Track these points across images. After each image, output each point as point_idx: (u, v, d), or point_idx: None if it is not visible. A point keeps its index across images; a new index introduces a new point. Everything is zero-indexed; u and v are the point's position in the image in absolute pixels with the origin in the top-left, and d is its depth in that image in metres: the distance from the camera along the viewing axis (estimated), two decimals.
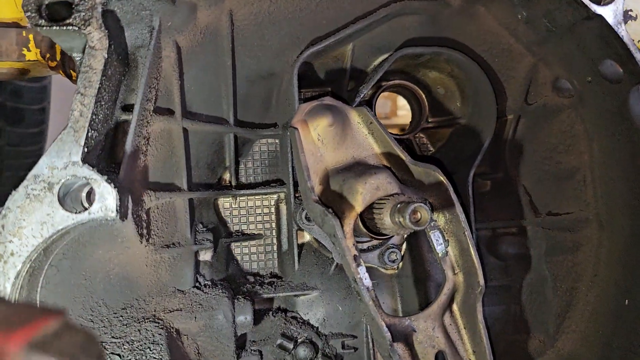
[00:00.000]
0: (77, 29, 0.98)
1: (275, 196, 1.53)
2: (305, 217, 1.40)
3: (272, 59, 1.38)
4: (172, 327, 1.21)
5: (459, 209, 1.17)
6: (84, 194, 1.04)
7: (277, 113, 1.48)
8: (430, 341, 1.17)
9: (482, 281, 1.16)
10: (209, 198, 1.47)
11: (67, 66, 1.70)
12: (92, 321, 1.14)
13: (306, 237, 1.50)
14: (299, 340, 1.36)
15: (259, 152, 1.55)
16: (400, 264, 1.43)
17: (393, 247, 1.41)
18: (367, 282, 1.12)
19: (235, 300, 1.31)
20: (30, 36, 1.66)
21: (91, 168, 0.96)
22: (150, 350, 1.10)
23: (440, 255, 1.21)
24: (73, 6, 0.99)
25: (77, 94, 0.98)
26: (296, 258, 1.43)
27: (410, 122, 1.63)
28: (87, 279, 1.14)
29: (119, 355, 1.09)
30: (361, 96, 1.34)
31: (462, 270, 1.21)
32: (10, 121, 2.87)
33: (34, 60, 1.70)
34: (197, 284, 1.32)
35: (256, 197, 1.53)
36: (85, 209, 0.96)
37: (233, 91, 1.39)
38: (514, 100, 1.40)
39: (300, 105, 1.28)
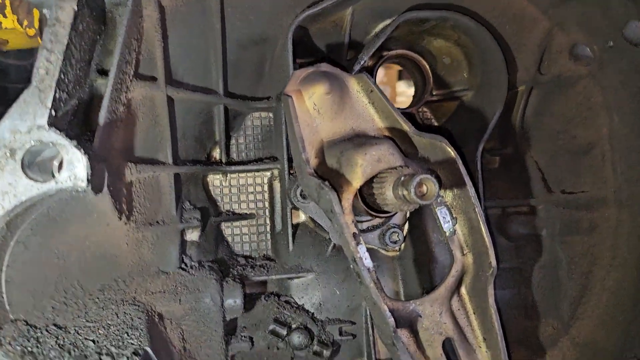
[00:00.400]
0: None
1: (268, 173, 1.43)
2: (301, 195, 1.30)
3: (265, 23, 1.27)
4: (154, 311, 1.11)
5: (468, 183, 1.07)
6: (55, 164, 0.93)
7: (271, 84, 1.37)
8: (437, 327, 1.07)
9: (493, 262, 1.06)
10: (197, 174, 1.37)
11: None
12: (65, 304, 1.03)
13: (301, 216, 1.40)
14: (293, 326, 1.27)
15: (251, 126, 1.45)
16: (403, 245, 1.33)
17: (394, 227, 1.31)
18: (368, 262, 1.02)
19: (224, 283, 1.21)
20: (7, 1, 1.55)
21: (58, 132, 0.85)
22: (128, 335, 1.00)
23: (447, 234, 1.11)
24: None
25: (42, 49, 0.87)
26: (290, 238, 1.33)
27: (413, 95, 1.52)
28: (60, 258, 1.04)
29: (92, 340, 0.99)
30: (361, 63, 1.24)
31: (472, 250, 1.10)
32: None
33: (12, 28, 1.60)
34: (183, 265, 1.22)
35: (248, 174, 1.43)
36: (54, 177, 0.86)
37: (223, 58, 1.29)
38: (526, 70, 1.30)
39: (295, 71, 1.17)
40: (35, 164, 0.90)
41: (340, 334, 1.30)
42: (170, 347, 1.14)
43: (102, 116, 0.98)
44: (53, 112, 0.86)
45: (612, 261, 1.20)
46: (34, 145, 0.85)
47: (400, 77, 3.63)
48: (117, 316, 1.05)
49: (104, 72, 1.07)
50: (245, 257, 1.40)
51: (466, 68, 1.40)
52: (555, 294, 1.28)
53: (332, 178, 1.10)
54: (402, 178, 0.99)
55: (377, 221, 1.32)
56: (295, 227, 1.38)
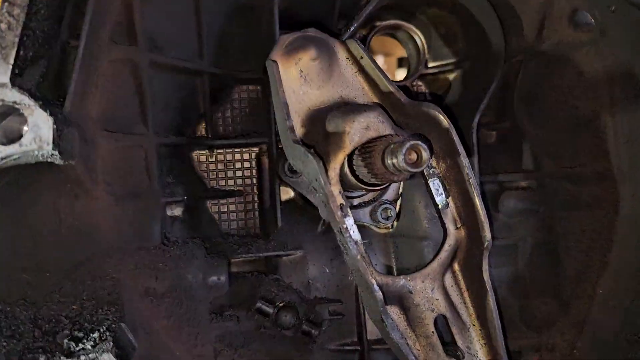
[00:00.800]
0: None
1: (256, 149, 1.38)
2: (289, 169, 1.25)
3: None
4: (134, 287, 1.06)
5: (462, 152, 1.01)
6: (25, 129, 0.87)
7: (258, 57, 1.32)
8: (429, 304, 1.02)
9: (488, 235, 1.01)
10: (181, 149, 1.32)
11: None
12: (37, 278, 0.98)
13: (290, 193, 1.35)
14: (280, 305, 1.22)
15: (238, 99, 1.39)
16: (395, 221, 1.28)
17: (386, 203, 1.26)
18: (356, 234, 0.97)
19: (208, 260, 1.16)
20: None
21: (22, 92, 0.80)
22: (103, 311, 0.95)
23: (440, 207, 1.06)
24: None
25: (4, 2, 0.81)
26: (279, 215, 1.28)
27: (407, 68, 1.46)
28: (31, 231, 0.99)
29: (65, 316, 0.93)
30: (351, 30, 1.18)
31: (465, 223, 1.05)
32: None
33: None
34: (165, 241, 1.16)
35: (235, 149, 1.38)
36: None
37: (207, 27, 1.23)
38: (524, 38, 1.24)
39: (281, 36, 1.11)
40: (0, 129, 0.85)
41: (329, 313, 1.25)
42: (151, 324, 1.09)
43: (74, 79, 0.93)
44: (17, 71, 0.80)
45: (613, 237, 1.14)
46: None
47: (400, 64, 3.56)
48: (93, 292, 1.00)
49: (78, 36, 1.01)
50: (232, 235, 1.35)
51: (462, 38, 1.35)
52: (553, 272, 1.22)
53: (319, 147, 1.04)
54: (392, 146, 0.93)
55: (368, 197, 1.27)
56: (284, 204, 1.32)
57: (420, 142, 0.90)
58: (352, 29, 1.18)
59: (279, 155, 1.26)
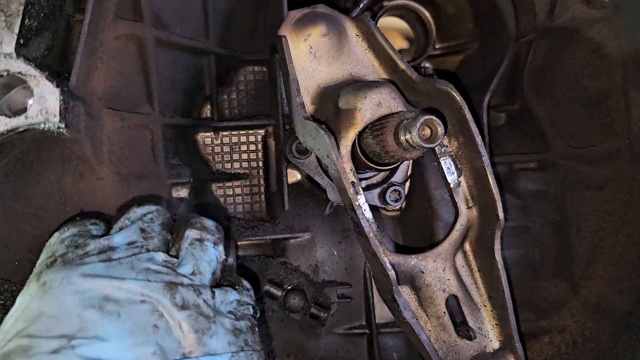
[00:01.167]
0: None
1: (262, 131, 1.36)
2: (296, 150, 1.23)
3: None
4: None
5: (474, 130, 0.99)
6: (30, 102, 0.85)
7: (265, 38, 1.30)
8: (441, 284, 1.01)
9: (501, 214, 0.99)
10: (186, 131, 1.29)
11: None
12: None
13: (297, 176, 1.33)
14: (288, 288, 1.20)
15: (244, 81, 1.37)
16: (404, 203, 1.26)
17: (395, 185, 1.24)
18: (368, 213, 0.95)
19: None
20: None
21: (28, 62, 0.78)
22: None
23: (452, 185, 1.04)
24: None
25: None
26: (286, 197, 1.25)
27: (415, 49, 1.44)
28: (37, 209, 0.97)
29: None
30: (361, 6, 1.16)
31: (478, 202, 1.03)
32: None
33: None
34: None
35: (241, 131, 1.35)
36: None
37: (212, 4, 1.22)
38: (535, 16, 1.22)
39: (290, 12, 1.09)
40: (6, 101, 0.83)
41: (338, 296, 1.23)
42: None
43: (79, 53, 0.91)
44: (22, 41, 0.78)
45: (625, 217, 1.13)
46: (1, 76, 0.77)
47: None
48: None
49: (82, 10, 0.99)
50: (239, 218, 1.33)
51: (471, 18, 1.33)
52: (564, 253, 1.21)
53: (329, 125, 1.02)
54: (405, 122, 0.91)
55: (377, 179, 1.25)
56: (291, 186, 1.31)
57: (434, 117, 0.88)
58: (361, 5, 1.17)
59: (286, 137, 1.24)
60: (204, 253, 0.90)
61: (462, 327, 1.02)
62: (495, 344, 1.03)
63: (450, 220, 1.11)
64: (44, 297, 0.75)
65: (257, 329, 0.91)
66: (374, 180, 1.25)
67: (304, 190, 1.31)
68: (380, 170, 1.17)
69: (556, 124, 1.24)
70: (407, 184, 1.27)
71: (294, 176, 1.33)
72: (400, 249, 1.27)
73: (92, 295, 0.75)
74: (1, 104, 0.80)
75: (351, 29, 1.12)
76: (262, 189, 1.36)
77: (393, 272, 0.92)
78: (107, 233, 0.90)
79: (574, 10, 1.16)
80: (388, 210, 1.29)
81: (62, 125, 0.80)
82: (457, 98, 1.00)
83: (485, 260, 1.04)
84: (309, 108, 1.07)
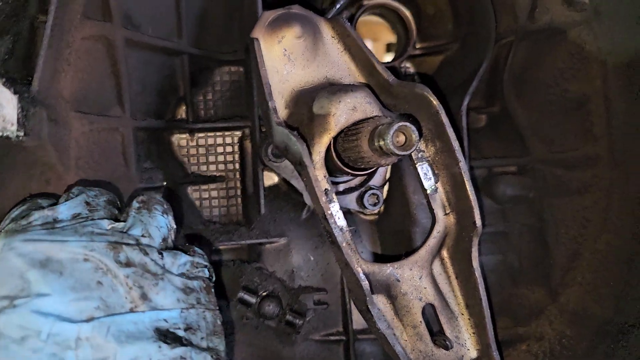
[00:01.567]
0: None
1: (239, 132, 1.33)
2: (272, 153, 1.20)
3: None
4: None
5: (451, 135, 0.97)
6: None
7: (241, 37, 1.27)
8: (417, 292, 0.99)
9: (478, 221, 0.97)
10: (160, 133, 1.26)
11: None
12: None
13: (274, 179, 1.31)
14: (263, 295, 1.18)
15: (220, 81, 1.34)
16: (382, 207, 1.24)
17: (374, 189, 1.22)
18: (341, 220, 0.93)
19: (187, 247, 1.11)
20: None
21: None
22: None
23: (429, 192, 1.02)
24: None
25: None
26: (262, 201, 1.23)
27: (396, 49, 1.42)
28: (2, 215, 0.94)
29: None
30: (337, 7, 1.13)
31: (455, 209, 1.01)
32: None
33: None
34: None
35: (217, 133, 1.33)
36: None
37: (185, 3, 1.18)
38: (515, 18, 1.20)
39: (264, 12, 1.06)
40: None
41: (314, 302, 1.21)
42: None
43: (42, 55, 0.87)
44: None
45: (604, 223, 1.11)
46: None
47: (388, 49, 3.51)
48: None
49: (47, 11, 0.96)
50: (214, 222, 1.30)
51: (451, 18, 1.31)
52: (543, 260, 1.19)
53: (304, 130, 1.00)
54: (379, 127, 0.89)
55: (354, 183, 1.22)
56: (267, 190, 1.28)
57: (408, 124, 0.85)
58: (338, 6, 1.14)
59: (262, 140, 1.21)
60: (152, 219, 0.89)
61: (438, 337, 1.00)
62: (473, 353, 1.01)
63: (428, 225, 1.08)
64: None
65: (212, 290, 0.90)
66: (352, 184, 1.23)
67: (280, 194, 1.29)
68: (357, 175, 1.14)
69: (536, 128, 1.23)
70: (386, 187, 1.25)
71: (270, 179, 1.30)
72: (378, 256, 1.25)
73: (35, 257, 0.75)
74: None
75: (327, 31, 1.09)
76: (239, 191, 1.33)
77: (367, 282, 0.90)
78: None
79: (555, 12, 1.14)
80: (366, 214, 1.27)
81: (21, 134, 0.77)
82: (434, 102, 0.98)
83: (463, 268, 1.02)
84: (283, 112, 1.04)
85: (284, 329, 1.19)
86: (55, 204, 0.88)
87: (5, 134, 0.76)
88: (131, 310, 0.77)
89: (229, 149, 1.33)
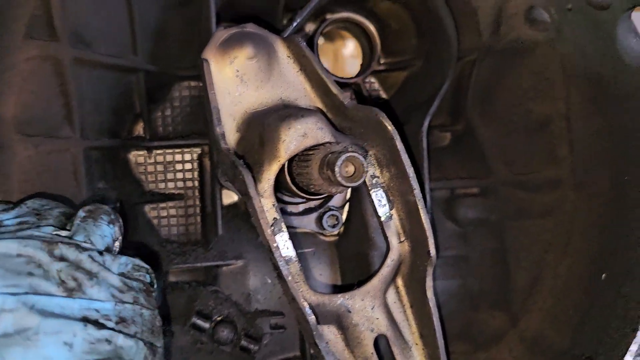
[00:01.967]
0: None
1: (198, 149, 1.29)
2: None
3: None
4: None
5: (406, 162, 0.95)
6: None
7: (200, 52, 1.23)
8: (368, 323, 0.96)
9: (432, 251, 0.95)
10: (115, 151, 1.23)
11: None
12: None
13: (234, 197, 1.27)
14: (217, 319, 1.15)
15: (179, 97, 1.30)
16: (342, 229, 1.21)
17: (333, 210, 1.19)
18: (289, 250, 0.91)
19: None
20: None
21: None
22: None
23: (383, 219, 1.00)
24: None
25: None
26: (219, 222, 1.20)
27: (361, 63, 1.39)
28: None
29: None
30: (294, 25, 1.10)
31: (409, 237, 0.99)
32: None
33: None
34: None
35: (176, 150, 1.29)
36: None
37: (140, 18, 1.14)
38: (479, 36, 1.17)
39: (216, 32, 1.03)
40: None
41: (271, 326, 1.18)
42: None
43: None
44: None
45: (566, 248, 1.09)
46: None
47: None
48: None
49: None
50: (171, 241, 1.27)
51: (414, 34, 1.28)
52: (504, 284, 1.17)
53: (254, 155, 0.97)
54: (329, 156, 0.86)
55: (314, 203, 1.20)
56: (226, 209, 1.25)
57: (356, 154, 0.83)
58: (294, 24, 1.11)
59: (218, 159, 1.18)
60: (97, 228, 0.88)
61: None
62: None
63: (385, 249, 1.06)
64: None
65: (153, 295, 0.89)
66: (311, 204, 1.20)
67: (239, 213, 1.26)
68: (312, 200, 1.12)
69: (499, 148, 1.20)
70: (346, 208, 1.22)
71: (230, 197, 1.27)
72: (335, 285, 1.23)
73: None
74: None
75: (282, 50, 1.06)
76: (198, 209, 1.30)
77: (313, 317, 0.87)
78: None
79: (518, 30, 1.12)
80: (326, 235, 1.24)
81: None
82: (389, 128, 0.95)
83: (418, 297, 0.99)
84: (234, 136, 1.01)
85: (239, 354, 1.16)
86: (5, 210, 0.87)
87: None
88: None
89: (187, 166, 1.30)
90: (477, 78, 1.19)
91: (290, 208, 1.19)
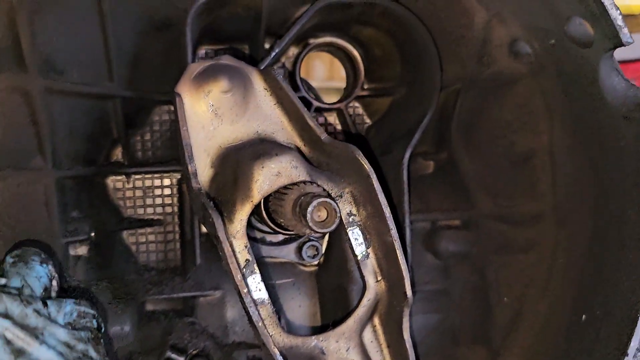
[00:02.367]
0: None
1: (178, 174, 1.27)
2: None
3: (164, 4, 1.10)
4: None
5: (382, 202, 0.93)
6: None
7: (178, 76, 1.20)
8: None
9: (409, 292, 0.93)
10: (91, 178, 1.20)
11: None
12: None
13: None
14: (193, 353, 1.13)
15: (159, 121, 1.28)
16: (321, 259, 1.19)
17: (313, 240, 1.17)
18: (262, 293, 0.89)
19: (111, 307, 1.06)
20: None
21: None
22: None
23: (359, 257, 0.98)
24: None
25: None
26: (197, 251, 1.18)
27: (345, 88, 1.37)
28: None
29: None
30: (272, 55, 1.08)
31: (386, 277, 0.97)
32: None
33: None
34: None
35: (155, 175, 1.27)
36: None
37: (115, 44, 1.12)
38: (462, 66, 1.15)
39: (190, 65, 1.01)
40: None
41: (248, 359, 1.16)
42: None
43: None
44: None
45: (547, 284, 1.07)
46: None
47: None
48: None
49: None
50: (150, 268, 1.24)
51: (399, 62, 1.25)
52: (485, 319, 1.15)
53: (227, 193, 0.95)
54: (302, 198, 0.85)
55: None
56: (205, 236, 1.23)
57: (329, 199, 0.81)
58: (273, 54, 1.08)
59: None
60: (30, 270, 0.88)
61: None
62: None
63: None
64: None
65: (102, 341, 0.89)
66: (291, 234, 1.18)
67: None
68: (290, 235, 1.10)
69: (482, 180, 1.18)
70: (326, 238, 1.20)
71: None
72: (312, 317, 1.21)
73: None
74: None
75: (259, 82, 1.04)
76: (177, 235, 1.28)
77: None
78: None
79: (502, 62, 1.10)
80: (306, 266, 1.22)
81: None
82: (365, 166, 0.93)
83: (394, 337, 0.98)
84: (208, 172, 0.99)
85: None
86: None
87: None
88: None
89: (167, 191, 1.28)
90: (461, 108, 1.17)
91: (270, 238, 1.17)
